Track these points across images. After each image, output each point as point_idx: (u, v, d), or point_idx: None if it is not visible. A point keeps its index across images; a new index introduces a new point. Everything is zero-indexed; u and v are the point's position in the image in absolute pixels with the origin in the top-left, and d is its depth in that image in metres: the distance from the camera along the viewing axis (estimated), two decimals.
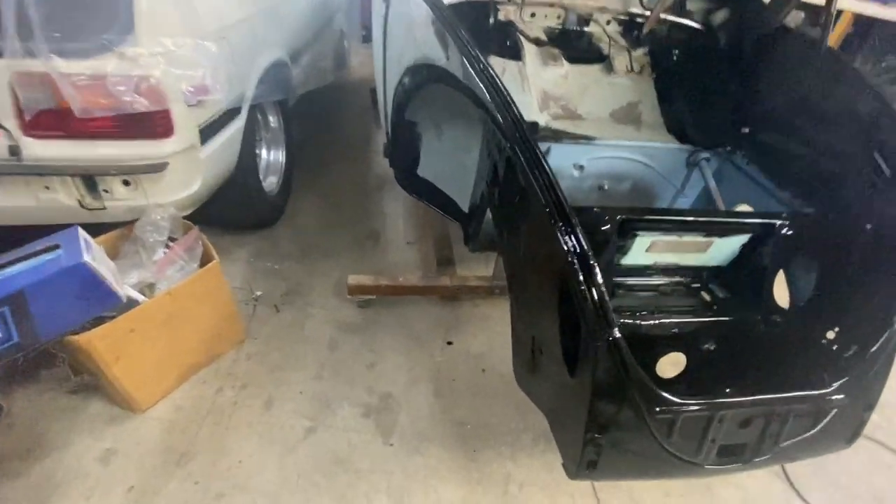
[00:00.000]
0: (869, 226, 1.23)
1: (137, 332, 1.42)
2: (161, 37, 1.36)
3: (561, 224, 0.93)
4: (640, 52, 1.96)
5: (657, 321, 1.30)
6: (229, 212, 2.19)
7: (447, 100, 1.55)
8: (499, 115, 1.09)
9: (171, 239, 1.63)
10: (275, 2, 2.27)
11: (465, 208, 1.84)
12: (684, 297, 1.40)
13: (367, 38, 5.02)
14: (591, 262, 0.91)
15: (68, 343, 1.32)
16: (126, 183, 1.50)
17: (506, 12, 1.90)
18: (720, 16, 1.91)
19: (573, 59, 1.93)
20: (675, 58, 1.89)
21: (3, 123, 1.33)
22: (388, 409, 1.71)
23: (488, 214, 1.61)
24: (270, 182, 2.48)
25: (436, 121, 1.77)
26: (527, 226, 1.07)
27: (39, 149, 1.37)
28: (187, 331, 1.61)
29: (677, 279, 1.41)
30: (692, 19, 1.92)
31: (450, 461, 1.56)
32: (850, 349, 1.18)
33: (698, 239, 1.28)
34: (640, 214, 1.22)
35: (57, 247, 1.22)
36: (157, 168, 1.46)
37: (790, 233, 1.27)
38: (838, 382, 1.07)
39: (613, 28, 1.99)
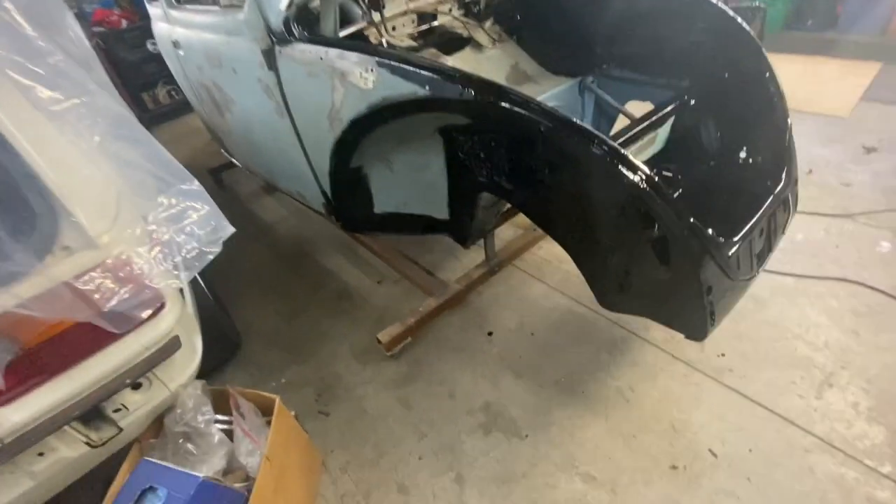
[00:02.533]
0: (727, 74, 1.73)
1: None
2: (94, 210, 1.12)
3: (628, 167, 1.13)
4: (489, 24, 2.24)
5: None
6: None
7: (395, 132, 1.60)
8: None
9: None
10: None
11: (444, 215, 1.93)
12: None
13: None
14: (658, 182, 1.14)
15: None
16: (137, 386, 1.23)
17: (372, 34, 1.97)
18: None
19: (447, 52, 2.11)
20: (518, 18, 2.22)
21: None
22: (498, 413, 1.78)
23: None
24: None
25: (383, 155, 1.79)
26: (589, 187, 1.24)
27: (18, 414, 1.04)
28: (292, 486, 1.42)
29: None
30: None
31: (575, 412, 1.73)
32: (759, 156, 1.69)
33: (650, 135, 1.63)
34: (626, 137, 1.51)
35: (152, 489, 0.99)
36: (172, 347, 1.22)
37: (693, 102, 1.71)
38: (785, 173, 1.53)
39: (457, 13, 2.22)
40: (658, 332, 1.96)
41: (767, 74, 1.62)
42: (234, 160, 3.12)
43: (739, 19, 1.70)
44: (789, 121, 1.60)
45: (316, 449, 1.70)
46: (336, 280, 2.61)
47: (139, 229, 1.15)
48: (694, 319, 1.34)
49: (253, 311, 2.46)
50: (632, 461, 1.57)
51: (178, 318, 1.26)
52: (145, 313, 1.16)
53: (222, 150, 3.22)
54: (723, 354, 1.84)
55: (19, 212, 1.00)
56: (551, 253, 2.49)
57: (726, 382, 1.75)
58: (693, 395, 1.73)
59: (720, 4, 1.74)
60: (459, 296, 2.17)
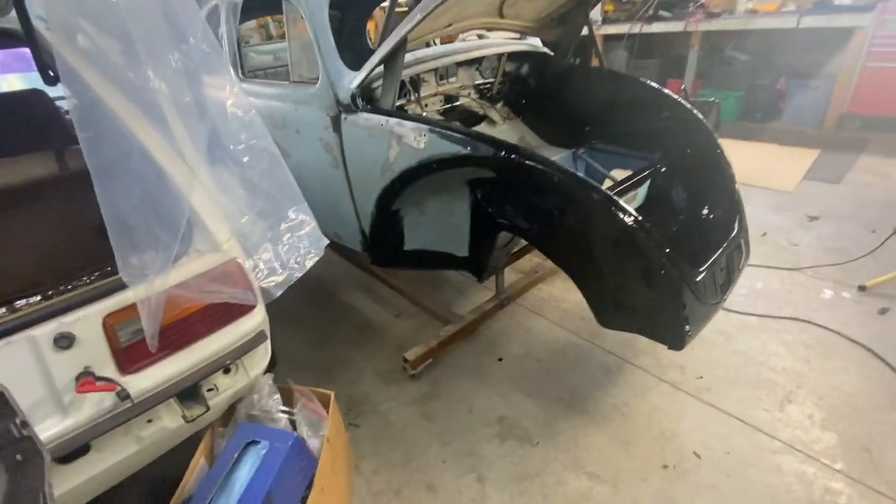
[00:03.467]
0: (689, 150, 2.23)
1: (325, 489, 1.44)
2: (215, 221, 1.46)
3: (620, 210, 1.53)
4: (499, 106, 2.78)
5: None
6: None
7: (432, 183, 2.00)
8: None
9: None
10: None
11: (464, 253, 2.30)
12: None
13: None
14: (648, 225, 1.54)
15: None
16: (227, 371, 1.49)
17: (411, 109, 2.46)
18: (524, 69, 2.88)
19: (467, 126, 2.61)
20: (524, 102, 2.77)
21: (103, 373, 1.23)
22: (512, 425, 2.02)
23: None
24: None
25: (418, 201, 2.19)
26: (591, 225, 1.63)
27: (146, 381, 1.29)
28: (340, 474, 1.63)
29: None
30: (514, 76, 2.84)
31: (578, 423, 1.99)
32: (717, 211, 2.14)
33: (632, 193, 2.08)
34: (614, 192, 1.95)
35: (255, 442, 1.23)
36: (260, 339, 1.51)
37: (664, 169, 2.19)
38: (737, 223, 1.97)
39: (475, 96, 2.76)
40: (646, 359, 2.28)
41: (718, 151, 2.12)
42: None
43: (695, 110, 2.24)
44: (737, 185, 2.07)
45: (351, 451, 1.91)
46: (357, 314, 2.89)
47: (252, 238, 1.49)
48: (674, 331, 1.68)
49: (282, 341, 2.69)
50: (629, 462, 1.82)
51: (264, 315, 1.56)
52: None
53: None
54: (701, 377, 2.16)
55: (176, 223, 1.34)
56: (550, 294, 2.85)
57: (705, 399, 2.05)
58: (678, 410, 2.02)
59: (679, 98, 2.29)
60: (473, 325, 2.47)
